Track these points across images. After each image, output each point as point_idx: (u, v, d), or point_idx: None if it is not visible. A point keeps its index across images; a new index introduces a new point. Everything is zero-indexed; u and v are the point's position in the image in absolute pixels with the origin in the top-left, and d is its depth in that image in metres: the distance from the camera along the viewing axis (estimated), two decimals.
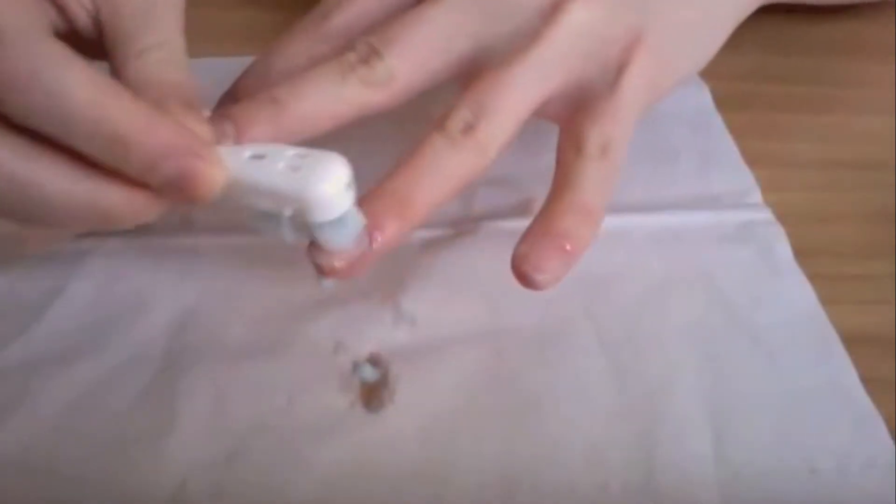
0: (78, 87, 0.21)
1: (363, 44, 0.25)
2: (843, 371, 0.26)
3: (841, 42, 0.41)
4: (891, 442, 0.24)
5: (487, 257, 0.29)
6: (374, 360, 0.26)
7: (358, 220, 0.23)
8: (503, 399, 0.25)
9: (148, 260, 0.29)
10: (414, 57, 0.25)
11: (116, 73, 0.24)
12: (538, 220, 0.25)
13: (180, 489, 0.23)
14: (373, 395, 0.25)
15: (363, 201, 0.24)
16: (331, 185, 0.22)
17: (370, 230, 0.23)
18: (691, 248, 0.30)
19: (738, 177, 0.33)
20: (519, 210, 0.31)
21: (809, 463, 0.24)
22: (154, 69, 0.24)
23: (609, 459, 0.24)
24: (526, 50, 0.25)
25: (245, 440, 0.24)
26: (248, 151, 0.23)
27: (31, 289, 0.28)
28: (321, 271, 0.23)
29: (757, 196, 0.32)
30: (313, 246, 0.23)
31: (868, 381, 0.26)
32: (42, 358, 0.26)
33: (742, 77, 0.37)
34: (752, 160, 0.33)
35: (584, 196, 0.25)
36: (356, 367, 0.26)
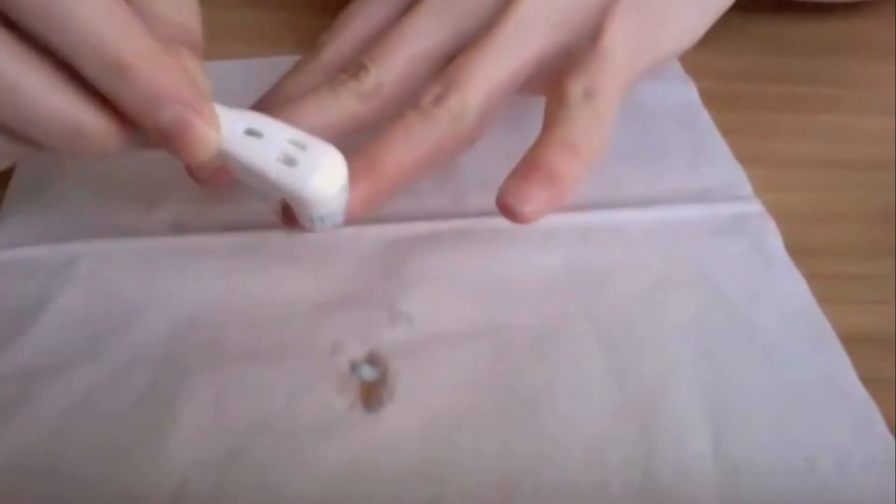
0: (92, 3, 0.20)
1: (352, 63, 0.27)
2: (840, 365, 0.26)
3: (841, 42, 0.41)
4: (890, 437, 0.24)
5: (484, 256, 0.29)
6: (373, 360, 0.26)
7: (345, 208, 0.24)
8: (502, 397, 0.25)
9: (141, 262, 0.29)
10: (398, 65, 0.27)
11: None
12: (523, 159, 0.25)
13: (180, 490, 0.23)
14: (372, 394, 0.25)
15: None
16: (328, 186, 0.22)
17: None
18: (686, 243, 0.30)
19: (727, 170, 0.33)
20: None
21: (808, 458, 0.24)
22: (163, 4, 0.23)
23: (608, 457, 0.24)
24: (493, 26, 0.27)
25: (245, 441, 0.24)
26: (242, 122, 0.22)
27: (23, 294, 0.28)
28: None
29: (747, 188, 0.32)
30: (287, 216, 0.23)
31: (868, 381, 0.26)
32: (40, 362, 0.26)
33: (742, 77, 0.37)
34: (752, 160, 0.33)
35: (568, 134, 0.25)
36: (354, 366, 0.26)
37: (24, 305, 0.27)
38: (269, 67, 0.37)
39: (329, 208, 0.23)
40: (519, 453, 0.24)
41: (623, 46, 0.27)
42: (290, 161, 0.22)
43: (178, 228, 0.30)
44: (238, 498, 0.23)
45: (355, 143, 0.26)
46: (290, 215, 0.24)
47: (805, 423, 0.25)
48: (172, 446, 0.24)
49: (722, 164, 0.33)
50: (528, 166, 0.25)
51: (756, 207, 0.31)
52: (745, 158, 0.34)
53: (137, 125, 0.21)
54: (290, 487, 0.23)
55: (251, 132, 0.22)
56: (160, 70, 0.21)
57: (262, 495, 0.23)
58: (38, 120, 0.21)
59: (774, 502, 0.23)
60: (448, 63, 0.27)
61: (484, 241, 0.30)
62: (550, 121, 0.26)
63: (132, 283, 0.28)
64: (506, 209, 0.24)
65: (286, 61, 0.38)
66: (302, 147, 0.22)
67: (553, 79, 0.27)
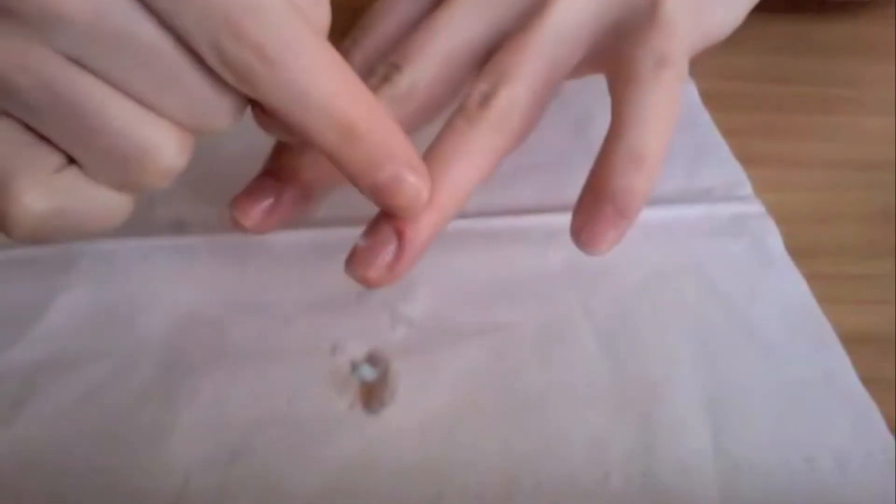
0: (324, 71, 0.19)
1: (382, 64, 0.25)
2: (840, 365, 0.26)
3: (841, 42, 0.41)
4: (890, 436, 0.25)
5: (484, 256, 0.29)
6: (373, 360, 0.26)
7: None
8: (502, 396, 0.25)
9: (141, 262, 0.29)
10: (432, 63, 0.25)
11: None
12: (591, 179, 0.23)
13: (184, 487, 0.23)
14: (372, 394, 0.25)
15: None
16: None
17: (402, 226, 0.22)
18: (686, 243, 0.30)
19: (727, 170, 0.33)
20: (511, 210, 0.31)
21: (808, 457, 0.24)
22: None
23: (609, 454, 0.24)
24: (537, 14, 0.24)
25: (247, 439, 0.24)
26: None
27: (26, 292, 0.28)
28: (360, 282, 0.22)
29: (747, 188, 0.32)
30: (352, 260, 0.22)
31: (868, 381, 0.26)
32: (43, 360, 0.26)
33: (742, 77, 0.37)
34: (752, 160, 0.33)
35: (635, 139, 0.23)
36: (354, 366, 0.26)
37: (26, 304, 0.27)
38: None
39: None
40: (519, 451, 0.24)
41: (683, 13, 0.25)
42: None
43: (179, 228, 0.30)
44: (240, 496, 0.23)
45: None
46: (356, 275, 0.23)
47: (805, 421, 0.25)
48: (175, 444, 0.24)
49: (722, 165, 0.33)
50: (595, 196, 0.23)
51: (756, 208, 0.31)
52: (745, 158, 0.34)
53: (352, 183, 0.21)
54: (291, 485, 0.23)
55: None
56: (384, 133, 0.20)
57: (265, 493, 0.23)
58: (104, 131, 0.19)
59: (774, 500, 0.23)
60: (487, 58, 0.25)
61: (484, 241, 0.30)
62: (617, 111, 0.24)
63: (133, 282, 0.28)
64: (579, 245, 0.23)
65: None
66: None
67: (613, 57, 0.25)
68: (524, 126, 0.24)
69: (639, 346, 0.27)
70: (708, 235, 0.30)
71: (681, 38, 0.24)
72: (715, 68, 0.38)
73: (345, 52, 0.26)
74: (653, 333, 0.27)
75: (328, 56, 0.20)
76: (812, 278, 0.29)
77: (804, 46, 0.41)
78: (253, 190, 0.25)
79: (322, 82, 0.19)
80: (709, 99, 0.36)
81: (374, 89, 0.24)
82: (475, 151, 0.23)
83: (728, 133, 0.35)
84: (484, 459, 0.24)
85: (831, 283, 0.29)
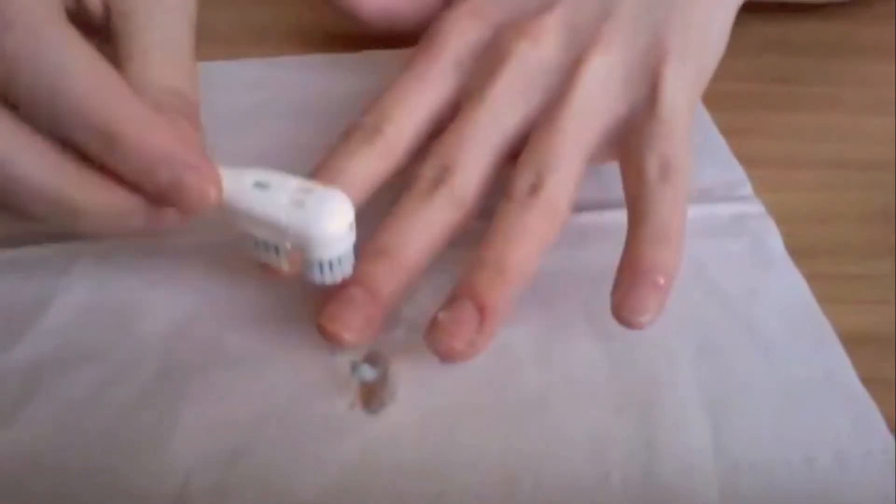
0: (79, 75, 0.21)
1: (431, 167, 0.27)
2: (839, 363, 0.26)
3: (841, 42, 0.41)
4: (889, 435, 0.25)
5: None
6: (373, 360, 0.26)
7: (352, 257, 0.24)
8: (502, 395, 0.25)
9: (141, 261, 0.29)
10: (481, 162, 0.27)
11: (119, 65, 0.24)
12: (625, 261, 0.25)
13: (184, 487, 0.23)
14: (372, 394, 0.25)
15: (462, 279, 0.25)
16: (335, 225, 0.23)
17: (482, 301, 0.24)
18: (686, 243, 0.30)
19: (727, 170, 0.33)
20: None
21: (808, 456, 0.24)
22: (156, 71, 0.24)
23: (609, 453, 0.24)
24: (562, 106, 0.27)
25: (247, 440, 0.24)
26: (250, 178, 0.23)
27: (25, 293, 0.28)
28: (445, 353, 0.24)
29: (747, 188, 0.32)
30: (435, 332, 0.24)
31: (868, 381, 0.26)
32: (43, 361, 0.26)
33: (742, 77, 0.37)
34: (752, 160, 0.33)
35: (659, 224, 0.25)
36: (354, 367, 0.26)
37: (25, 304, 0.27)
38: (269, 67, 0.37)
39: (338, 250, 0.23)
40: (519, 451, 0.24)
41: (679, 99, 0.28)
42: (298, 204, 0.22)
43: (178, 229, 0.30)
44: (240, 496, 0.23)
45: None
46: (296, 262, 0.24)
47: (805, 421, 0.25)
48: (175, 444, 0.24)
49: (722, 165, 0.33)
50: (633, 272, 0.25)
51: (756, 208, 0.31)
52: (745, 158, 0.34)
53: (139, 191, 0.22)
54: (292, 485, 0.23)
55: (259, 185, 0.23)
56: (151, 134, 0.21)
57: (265, 493, 0.23)
58: (27, 195, 0.22)
59: (774, 499, 0.23)
60: (515, 144, 0.28)
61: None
62: (635, 203, 0.26)
63: (133, 282, 0.28)
64: (624, 323, 0.25)
65: (287, 61, 0.38)
66: (309, 191, 0.23)
67: (622, 149, 0.28)
68: (569, 208, 0.27)
69: (639, 346, 0.27)
70: (708, 235, 0.30)
71: (681, 134, 0.27)
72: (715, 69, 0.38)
73: (376, 124, 0.28)
74: (652, 333, 0.27)
75: (85, 62, 0.21)
76: (812, 278, 0.29)
77: (804, 46, 0.41)
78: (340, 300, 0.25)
79: (75, 87, 0.20)
80: (709, 99, 0.36)
81: (435, 192, 0.26)
82: (533, 231, 0.26)
83: (728, 133, 0.35)
84: (484, 459, 0.24)
85: (831, 283, 0.29)
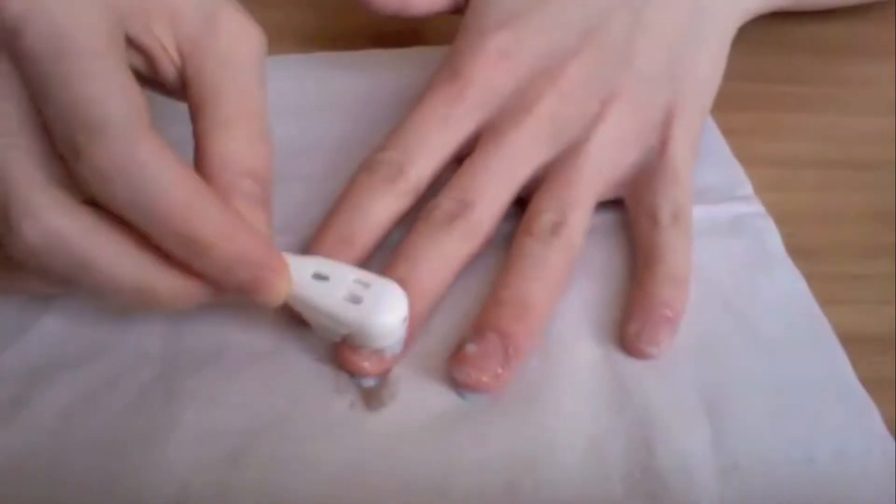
0: (171, 189, 0.21)
1: (448, 199, 0.28)
2: (838, 362, 0.27)
3: (841, 42, 0.41)
4: (888, 435, 0.25)
5: (484, 255, 0.29)
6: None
7: (403, 341, 0.25)
8: (502, 395, 0.25)
9: None
10: (495, 201, 0.28)
11: (199, 136, 0.24)
12: (638, 298, 0.27)
13: (182, 491, 0.23)
14: (372, 394, 0.25)
15: (487, 312, 0.26)
16: (391, 319, 0.24)
17: (508, 337, 0.25)
18: None
19: (728, 170, 0.33)
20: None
21: (807, 453, 0.24)
22: (236, 150, 0.24)
23: (609, 453, 0.24)
24: (578, 153, 0.29)
25: (246, 442, 0.24)
26: (311, 267, 0.24)
27: (23, 295, 0.28)
28: (472, 385, 0.25)
29: (747, 189, 0.32)
30: (462, 363, 0.25)
31: (868, 382, 0.26)
32: (39, 363, 0.26)
33: (742, 77, 0.37)
34: (752, 160, 0.33)
35: (671, 266, 0.27)
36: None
37: (24, 307, 0.27)
38: (269, 67, 0.37)
39: (391, 340, 0.25)
40: (519, 451, 0.24)
41: (687, 149, 0.30)
42: (355, 299, 0.24)
43: None
44: (240, 498, 0.23)
45: None
46: (350, 345, 0.25)
47: (804, 420, 0.25)
48: (173, 447, 0.24)
49: (722, 165, 0.33)
50: (647, 306, 0.27)
51: (756, 208, 0.31)
52: (745, 158, 0.34)
53: (199, 281, 0.23)
54: (291, 487, 0.23)
55: (318, 276, 0.24)
56: (237, 242, 0.22)
57: (264, 496, 0.23)
58: (107, 291, 0.22)
59: (773, 498, 0.23)
60: (527, 188, 0.29)
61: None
62: (648, 245, 0.28)
63: None
64: (637, 353, 0.26)
65: (287, 61, 0.38)
66: (366, 286, 0.24)
67: (631, 191, 0.30)
68: (583, 245, 0.28)
69: None
70: (708, 235, 0.30)
71: (687, 178, 0.30)
72: None
73: (386, 181, 0.28)
74: None
75: (179, 179, 0.21)
76: (812, 278, 0.29)
77: (804, 46, 0.41)
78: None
79: (171, 207, 0.21)
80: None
81: (445, 223, 0.27)
82: (554, 267, 0.27)
83: (728, 133, 0.35)
84: (484, 459, 0.24)
85: (831, 283, 0.29)
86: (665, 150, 0.29)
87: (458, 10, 0.34)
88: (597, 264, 0.28)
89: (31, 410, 0.25)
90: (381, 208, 0.28)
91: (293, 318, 0.26)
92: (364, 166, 0.29)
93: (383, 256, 0.28)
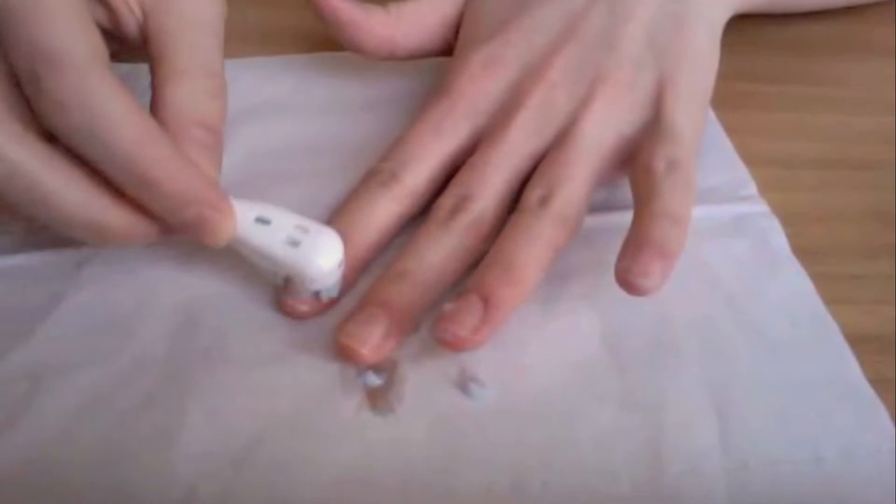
0: (123, 125, 0.23)
1: (451, 197, 0.28)
2: (844, 361, 0.27)
3: (841, 42, 0.41)
4: (894, 430, 0.25)
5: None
6: (377, 366, 0.26)
7: (339, 286, 0.27)
8: (508, 395, 0.25)
9: (146, 264, 0.29)
10: (496, 193, 0.29)
11: (156, 87, 0.26)
12: (632, 234, 0.26)
13: (189, 494, 0.23)
14: (379, 397, 0.25)
15: (472, 278, 0.26)
16: (326, 262, 0.25)
17: (487, 295, 0.25)
18: (690, 241, 0.30)
19: (732, 170, 0.33)
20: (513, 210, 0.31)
21: (814, 453, 0.24)
22: (191, 99, 0.26)
23: (616, 453, 0.24)
24: (572, 135, 0.29)
25: (252, 444, 0.24)
26: (255, 211, 0.25)
27: (30, 297, 0.28)
28: (449, 340, 0.25)
29: (752, 188, 0.32)
30: (441, 320, 0.25)
31: (869, 382, 0.26)
32: (45, 366, 0.26)
33: (742, 77, 0.37)
34: (752, 160, 0.33)
35: (666, 204, 0.26)
36: (359, 372, 0.26)
37: (31, 309, 0.27)
38: (270, 67, 0.37)
39: (327, 283, 0.26)
40: (527, 451, 0.24)
41: (683, 118, 0.30)
42: (294, 243, 0.25)
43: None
44: (247, 500, 0.23)
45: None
46: (290, 291, 0.26)
47: (811, 419, 0.25)
48: (180, 451, 0.24)
49: (727, 165, 0.33)
50: (639, 241, 0.26)
51: (760, 207, 0.31)
52: (746, 158, 0.34)
53: (150, 217, 0.24)
54: (298, 490, 0.23)
55: (261, 220, 0.25)
56: (184, 181, 0.24)
57: (272, 497, 0.23)
58: (63, 220, 0.24)
59: (781, 498, 0.23)
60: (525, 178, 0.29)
61: None
62: (644, 193, 0.27)
63: (138, 287, 0.28)
64: (629, 286, 0.25)
65: (287, 61, 0.38)
66: (305, 231, 0.25)
67: (633, 164, 0.29)
68: (578, 220, 0.28)
69: (645, 345, 0.27)
70: (713, 235, 0.30)
71: (687, 143, 0.29)
72: (716, 69, 0.38)
73: (395, 171, 0.29)
74: (659, 332, 0.27)
75: (131, 114, 0.23)
76: (812, 278, 0.29)
77: (804, 46, 0.41)
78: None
79: (122, 140, 0.23)
80: (711, 99, 0.36)
81: (453, 219, 0.28)
82: (541, 238, 0.27)
83: (729, 133, 0.35)
84: (491, 460, 0.24)
85: (831, 283, 0.29)
86: (660, 119, 0.29)
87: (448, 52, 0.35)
88: (607, 264, 0.28)
89: (37, 413, 0.25)
90: (378, 210, 0.29)
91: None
92: (362, 178, 0.30)
93: (390, 258, 0.28)
